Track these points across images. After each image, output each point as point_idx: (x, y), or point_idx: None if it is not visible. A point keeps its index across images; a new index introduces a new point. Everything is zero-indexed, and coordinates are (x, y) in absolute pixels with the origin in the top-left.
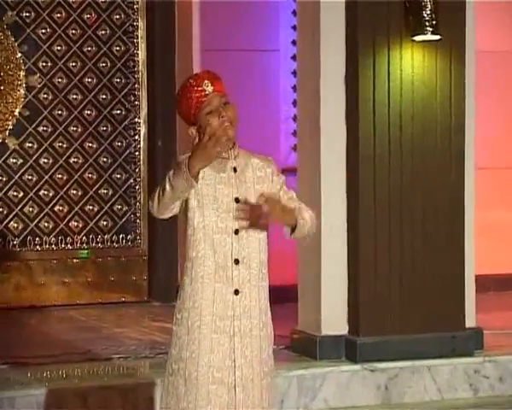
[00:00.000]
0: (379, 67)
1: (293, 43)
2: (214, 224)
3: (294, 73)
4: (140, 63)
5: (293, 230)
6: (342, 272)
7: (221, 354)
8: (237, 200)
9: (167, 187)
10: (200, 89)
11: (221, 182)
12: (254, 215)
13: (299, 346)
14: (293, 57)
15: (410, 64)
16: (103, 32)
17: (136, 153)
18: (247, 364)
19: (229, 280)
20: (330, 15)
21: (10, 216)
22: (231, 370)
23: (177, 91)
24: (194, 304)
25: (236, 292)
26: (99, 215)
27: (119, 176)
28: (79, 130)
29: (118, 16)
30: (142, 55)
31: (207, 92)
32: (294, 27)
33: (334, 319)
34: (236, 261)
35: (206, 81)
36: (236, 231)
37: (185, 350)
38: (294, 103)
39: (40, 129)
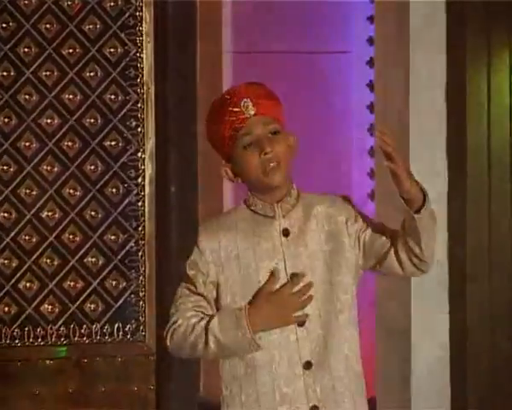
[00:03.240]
0: (496, 76)
1: (370, 41)
2: None
3: (371, 84)
4: (145, 72)
5: (417, 210)
6: (442, 372)
7: None
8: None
9: (211, 344)
10: (236, 110)
11: (263, 257)
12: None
13: None
14: (370, 62)
15: None
16: (91, 26)
17: (139, 203)
18: None
19: (302, 396)
20: (424, 2)
21: None
22: None
23: (208, 113)
24: None
25: None
26: (84, 295)
27: (113, 237)
28: (56, 170)
29: (113, 3)
30: (148, 60)
31: (247, 115)
32: (371, 19)
33: None
34: (308, 365)
35: (245, 100)
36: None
37: None
38: (371, 130)
39: None
